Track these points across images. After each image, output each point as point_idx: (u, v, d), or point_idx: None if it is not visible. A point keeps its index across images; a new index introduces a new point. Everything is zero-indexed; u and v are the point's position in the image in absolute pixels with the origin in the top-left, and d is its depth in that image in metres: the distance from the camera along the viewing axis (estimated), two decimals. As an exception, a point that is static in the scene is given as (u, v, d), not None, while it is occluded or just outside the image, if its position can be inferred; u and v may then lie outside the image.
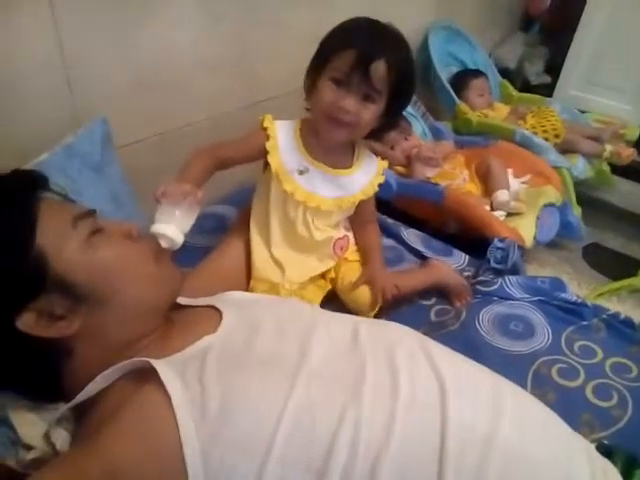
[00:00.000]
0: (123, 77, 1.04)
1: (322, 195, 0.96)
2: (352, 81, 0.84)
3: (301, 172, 0.94)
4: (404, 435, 0.57)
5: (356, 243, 1.09)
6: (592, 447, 0.66)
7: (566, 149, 1.92)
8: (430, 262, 1.14)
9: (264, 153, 0.94)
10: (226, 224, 1.23)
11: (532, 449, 0.59)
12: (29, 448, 0.65)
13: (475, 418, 0.59)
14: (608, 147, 1.94)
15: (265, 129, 0.94)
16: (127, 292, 0.66)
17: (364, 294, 1.01)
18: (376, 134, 0.98)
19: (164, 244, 0.72)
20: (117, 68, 1.02)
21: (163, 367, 0.60)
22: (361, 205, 1.03)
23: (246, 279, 1.02)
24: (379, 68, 0.83)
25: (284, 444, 0.55)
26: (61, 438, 0.65)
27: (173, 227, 0.72)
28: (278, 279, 0.99)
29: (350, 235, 1.08)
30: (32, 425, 0.66)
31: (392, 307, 1.05)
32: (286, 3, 1.33)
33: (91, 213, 0.69)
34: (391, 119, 0.95)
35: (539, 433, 0.62)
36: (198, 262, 0.99)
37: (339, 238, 1.04)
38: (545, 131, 1.95)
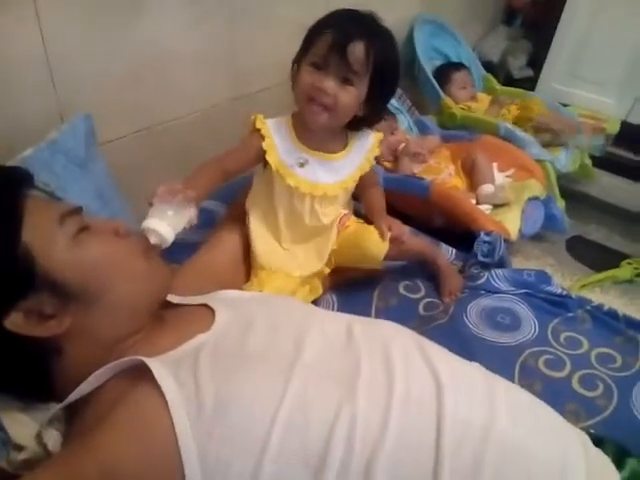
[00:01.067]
0: (107, 73, 1.02)
1: (325, 182, 0.98)
2: (330, 63, 0.86)
3: (301, 164, 0.95)
4: (399, 430, 0.57)
5: (364, 208, 1.14)
6: (586, 437, 0.67)
7: (539, 128, 1.95)
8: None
9: (263, 154, 0.95)
10: (214, 220, 1.22)
11: (528, 441, 0.60)
12: (20, 449, 0.64)
13: (471, 413, 0.60)
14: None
15: (258, 130, 0.95)
16: (116, 289, 0.66)
17: (372, 235, 1.02)
18: (363, 123, 0.99)
19: (153, 240, 0.72)
20: (101, 64, 1.00)
21: (157, 365, 0.59)
22: (361, 177, 1.05)
23: (242, 273, 1.03)
24: (356, 49, 0.84)
25: (280, 440, 0.55)
26: (53, 438, 0.65)
27: (164, 224, 0.72)
28: (289, 269, 1.00)
29: (350, 213, 1.12)
30: (23, 425, 0.65)
31: (386, 303, 1.06)
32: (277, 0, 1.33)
33: (78, 210, 0.68)
34: (376, 107, 0.96)
35: (534, 425, 0.63)
36: (186, 258, 0.99)
37: (343, 215, 1.08)
38: (530, 119, 1.97)
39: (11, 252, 0.58)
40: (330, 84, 0.86)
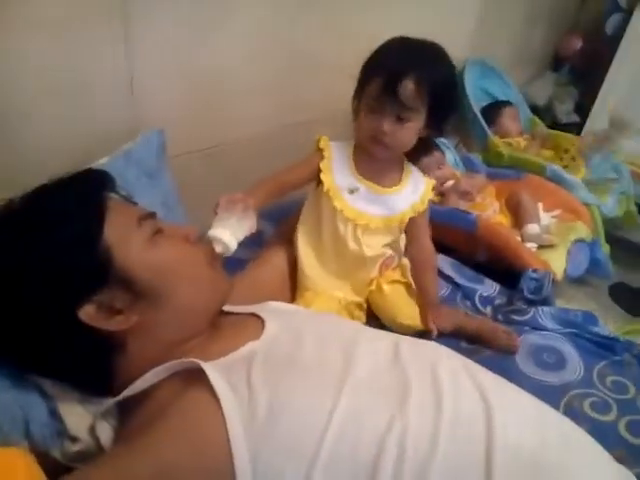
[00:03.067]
0: (179, 93, 1.09)
1: (371, 214, 0.98)
2: (384, 106, 0.88)
3: (351, 191, 0.97)
4: (449, 448, 0.57)
5: (410, 261, 1.09)
6: (633, 476, 0.66)
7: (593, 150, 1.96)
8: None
9: (319, 172, 0.98)
10: (263, 238, 1.25)
11: (580, 471, 0.59)
12: (74, 440, 0.66)
13: (521, 437, 0.60)
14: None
15: (321, 150, 0.99)
16: (182, 292, 0.69)
17: (412, 315, 1.02)
18: (426, 144, 1.00)
19: (218, 249, 0.75)
20: (177, 82, 1.07)
21: (211, 369, 0.61)
22: (412, 222, 1.03)
23: (288, 293, 1.05)
24: (407, 88, 0.85)
25: (331, 451, 0.56)
26: (105, 432, 0.67)
27: (228, 232, 0.76)
28: (332, 290, 1.02)
29: (396, 256, 1.09)
30: (79, 417, 0.67)
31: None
32: (336, 35, 1.39)
33: (153, 215, 0.72)
34: (438, 127, 0.96)
35: (585, 458, 0.62)
36: (234, 274, 1.01)
37: (388, 257, 1.06)
38: (561, 158, 1.97)
39: (93, 247, 0.62)
40: (387, 126, 0.89)
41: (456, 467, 0.57)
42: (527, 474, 0.56)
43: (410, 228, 1.04)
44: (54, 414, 0.67)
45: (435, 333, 0.99)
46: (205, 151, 1.21)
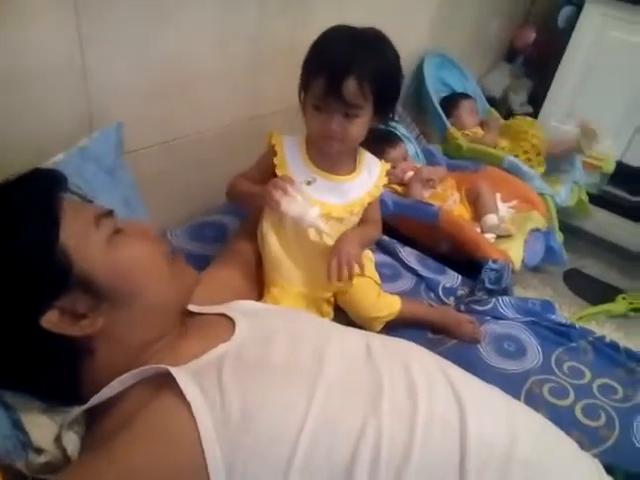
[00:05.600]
0: (136, 85, 1.05)
1: (332, 202, 0.99)
2: (329, 106, 0.88)
3: (309, 182, 0.97)
4: (424, 449, 0.58)
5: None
6: (599, 463, 0.69)
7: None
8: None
9: (274, 168, 0.98)
10: (226, 234, 1.24)
11: (549, 464, 0.62)
12: (40, 452, 0.64)
13: (493, 433, 0.62)
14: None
15: (273, 146, 0.99)
16: (147, 290, 0.67)
17: (380, 307, 1.03)
18: (390, 136, 1.01)
19: (318, 225, 0.89)
20: (132, 75, 1.03)
21: (181, 374, 0.60)
22: (367, 205, 1.04)
23: (255, 290, 1.04)
24: (349, 87, 0.85)
25: (306, 454, 0.56)
26: (72, 442, 0.64)
27: (314, 209, 0.89)
28: (300, 287, 1.01)
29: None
30: (44, 428, 0.65)
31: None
32: (296, 27, 1.37)
33: (110, 213, 0.69)
34: (386, 114, 0.97)
35: (553, 448, 0.65)
36: (198, 270, 0.99)
37: None
38: (526, 152, 2.03)
39: (49, 252, 0.59)
40: (335, 124, 0.89)
41: (431, 467, 0.58)
42: (500, 470, 0.58)
43: (365, 211, 1.05)
44: (17, 425, 0.64)
45: (334, 279, 0.93)
46: (164, 145, 1.17)
